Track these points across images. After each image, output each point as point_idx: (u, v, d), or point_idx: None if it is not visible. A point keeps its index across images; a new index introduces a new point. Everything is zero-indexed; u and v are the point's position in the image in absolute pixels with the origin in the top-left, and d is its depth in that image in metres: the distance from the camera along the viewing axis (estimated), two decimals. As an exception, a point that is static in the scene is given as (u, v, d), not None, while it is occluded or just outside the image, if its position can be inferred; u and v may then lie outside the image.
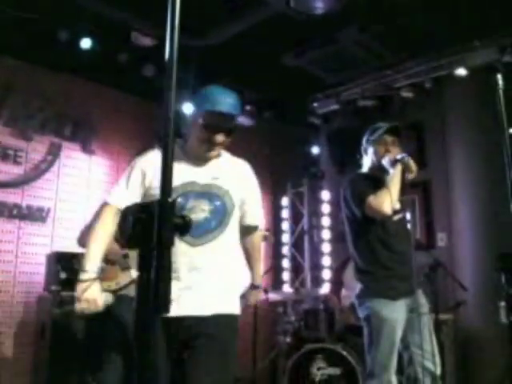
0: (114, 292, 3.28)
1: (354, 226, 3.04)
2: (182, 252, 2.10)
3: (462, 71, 5.06)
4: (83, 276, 2.15)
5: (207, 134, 2.22)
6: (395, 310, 2.80)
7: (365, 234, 2.97)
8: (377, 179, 3.03)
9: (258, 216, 2.48)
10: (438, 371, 2.84)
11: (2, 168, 4.73)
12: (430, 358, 2.80)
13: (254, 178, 2.48)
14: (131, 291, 3.32)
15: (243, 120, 5.65)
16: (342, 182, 3.16)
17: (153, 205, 0.96)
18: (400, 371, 2.92)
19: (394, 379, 2.82)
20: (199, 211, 2.17)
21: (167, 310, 0.93)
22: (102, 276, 3.22)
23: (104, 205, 2.29)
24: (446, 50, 5.09)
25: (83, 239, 3.39)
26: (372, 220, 2.91)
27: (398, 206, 2.99)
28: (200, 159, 2.29)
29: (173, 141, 1.01)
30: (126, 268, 3.36)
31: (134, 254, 3.35)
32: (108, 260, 3.30)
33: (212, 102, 2.21)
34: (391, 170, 2.94)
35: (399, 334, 2.81)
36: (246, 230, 2.48)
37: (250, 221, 2.44)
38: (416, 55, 5.23)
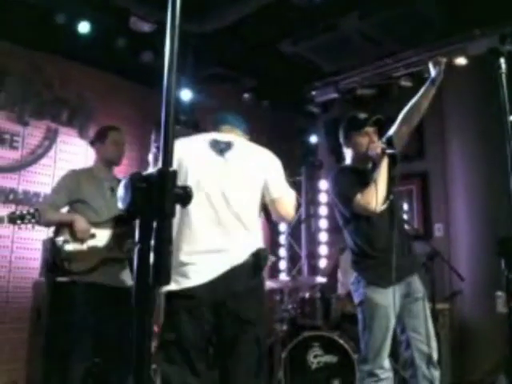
0: (82, 274, 3.23)
1: (343, 218, 3.08)
2: None
3: (462, 60, 5.02)
4: None
5: None
6: (387, 296, 2.83)
7: (352, 225, 3.01)
8: (361, 171, 3.03)
9: None
10: (435, 355, 2.86)
11: (-2, 152, 4.71)
12: (424, 340, 2.83)
13: None
14: (98, 276, 3.25)
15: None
16: (328, 177, 3.18)
17: (153, 174, 0.94)
18: (397, 355, 2.94)
19: (386, 364, 2.85)
20: None
21: (167, 281, 0.91)
22: (72, 257, 3.22)
23: None
24: (446, 39, 5.06)
25: (46, 216, 3.27)
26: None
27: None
28: None
29: (174, 113, 0.99)
30: (93, 248, 3.29)
31: (102, 234, 3.32)
32: (76, 239, 3.25)
33: None
34: (379, 164, 2.93)
35: (392, 319, 2.84)
36: None
37: None
38: (416, 44, 5.20)
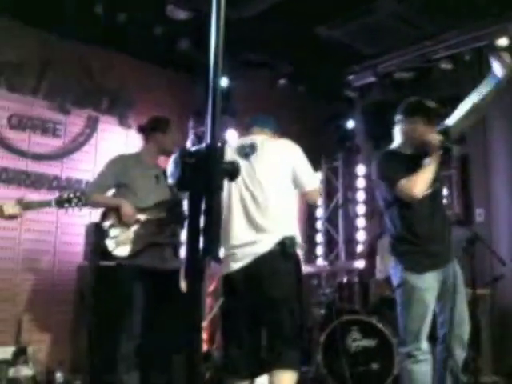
0: (128, 258, 3.30)
1: (385, 202, 3.07)
2: None
3: (503, 41, 4.90)
4: None
5: None
6: (425, 281, 2.85)
7: (393, 210, 3.00)
8: (408, 156, 3.00)
9: None
10: (465, 337, 2.87)
11: (42, 141, 4.86)
12: (456, 323, 2.84)
13: None
14: (143, 260, 3.32)
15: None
16: (372, 160, 3.16)
17: (201, 150, 0.96)
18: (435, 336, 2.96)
19: (424, 346, 2.85)
20: None
21: (217, 252, 0.94)
22: (117, 242, 3.30)
23: None
24: (487, 20, 4.93)
25: (92, 197, 3.34)
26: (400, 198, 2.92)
27: None
28: None
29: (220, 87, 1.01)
30: (138, 233, 3.34)
31: (146, 219, 3.37)
32: (122, 223, 3.32)
33: None
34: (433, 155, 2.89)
35: (430, 303, 2.85)
36: None
37: None
38: (455, 25, 5.08)
